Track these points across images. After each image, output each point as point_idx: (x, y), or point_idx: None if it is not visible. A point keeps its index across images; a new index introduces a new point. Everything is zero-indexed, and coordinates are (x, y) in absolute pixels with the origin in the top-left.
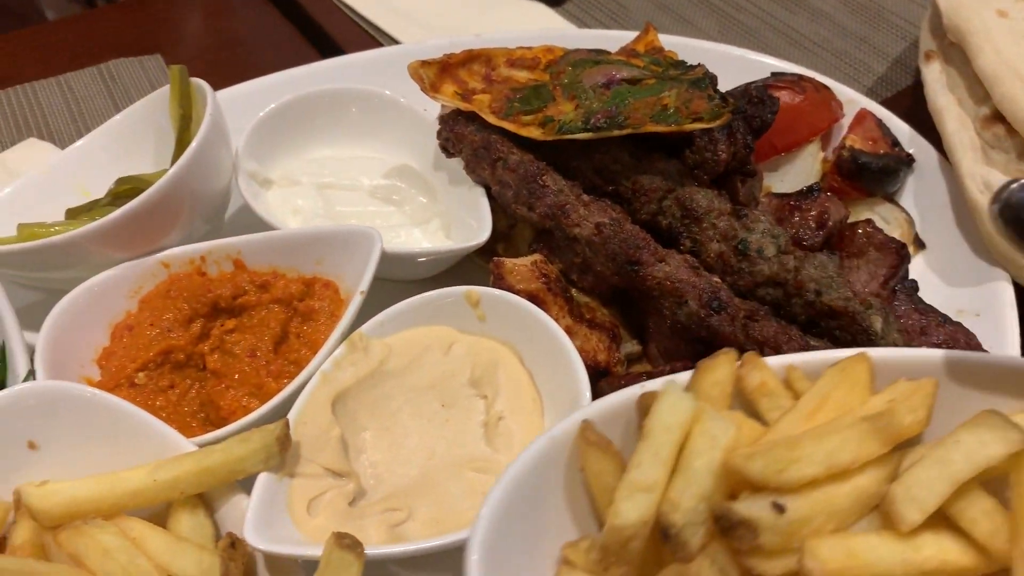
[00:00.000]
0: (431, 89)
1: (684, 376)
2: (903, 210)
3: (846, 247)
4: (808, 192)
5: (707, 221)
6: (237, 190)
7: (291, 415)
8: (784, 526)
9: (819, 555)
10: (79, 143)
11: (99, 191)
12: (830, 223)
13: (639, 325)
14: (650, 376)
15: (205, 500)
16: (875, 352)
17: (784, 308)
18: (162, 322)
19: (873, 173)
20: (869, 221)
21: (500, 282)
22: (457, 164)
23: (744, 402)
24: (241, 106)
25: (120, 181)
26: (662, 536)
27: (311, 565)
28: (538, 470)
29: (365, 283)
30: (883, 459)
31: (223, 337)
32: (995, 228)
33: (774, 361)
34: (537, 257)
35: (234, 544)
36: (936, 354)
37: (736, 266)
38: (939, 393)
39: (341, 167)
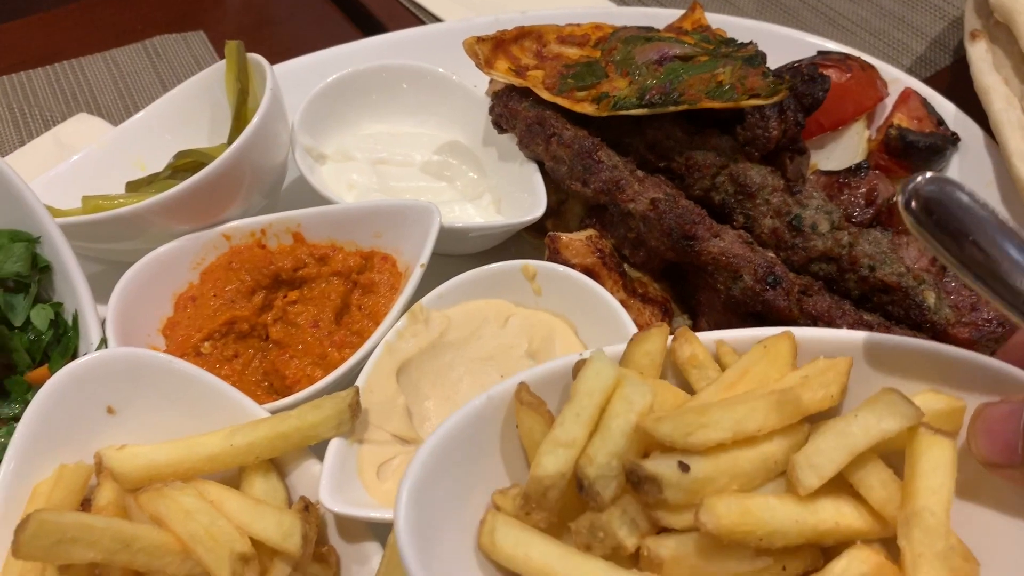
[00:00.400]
0: (486, 65)
1: (617, 347)
2: None
3: (895, 224)
4: (856, 170)
5: (761, 197)
6: (292, 166)
7: (358, 384)
8: (688, 484)
9: (715, 511)
10: (135, 117)
11: (156, 165)
12: (879, 200)
13: (689, 300)
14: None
15: (277, 465)
16: (798, 331)
17: (837, 283)
18: (225, 293)
19: (920, 152)
20: None
21: (556, 256)
22: (507, 141)
23: (676, 373)
24: (290, 83)
25: (180, 155)
26: (578, 487)
27: (379, 528)
28: (475, 424)
29: (425, 256)
30: (793, 429)
31: (285, 308)
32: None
33: (705, 336)
34: (592, 232)
35: (308, 508)
36: (855, 335)
37: (790, 241)
38: (854, 371)
39: (393, 143)
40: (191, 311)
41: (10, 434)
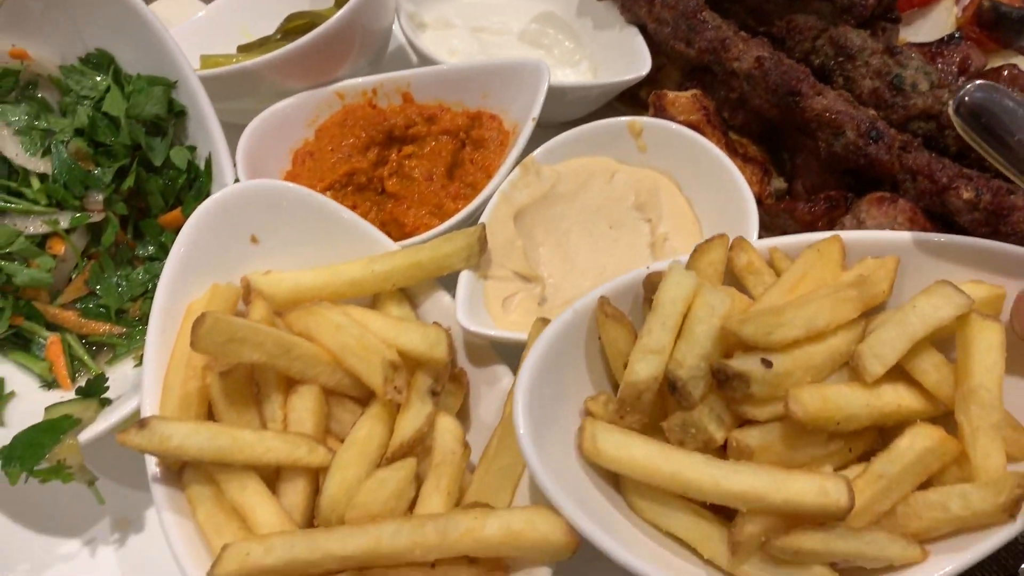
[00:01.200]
0: None
1: (683, 258)
2: None
3: None
4: (949, 40)
5: (861, 59)
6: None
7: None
8: (771, 378)
9: (801, 400)
10: None
11: (259, 33)
12: (971, 69)
13: (784, 165)
14: (828, 200)
15: (409, 296)
16: (846, 235)
17: (936, 141)
18: (342, 148)
19: (1013, 23)
20: (1014, 65)
21: (661, 113)
22: (601, 10)
23: (733, 280)
24: None
25: (291, 17)
26: (669, 389)
27: (507, 354)
28: (565, 336)
29: (536, 110)
30: (852, 324)
31: (401, 162)
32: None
33: (759, 244)
34: (696, 91)
35: None
36: (898, 235)
37: (889, 100)
38: (901, 268)
39: (490, 11)
40: (309, 165)
41: (148, 272)
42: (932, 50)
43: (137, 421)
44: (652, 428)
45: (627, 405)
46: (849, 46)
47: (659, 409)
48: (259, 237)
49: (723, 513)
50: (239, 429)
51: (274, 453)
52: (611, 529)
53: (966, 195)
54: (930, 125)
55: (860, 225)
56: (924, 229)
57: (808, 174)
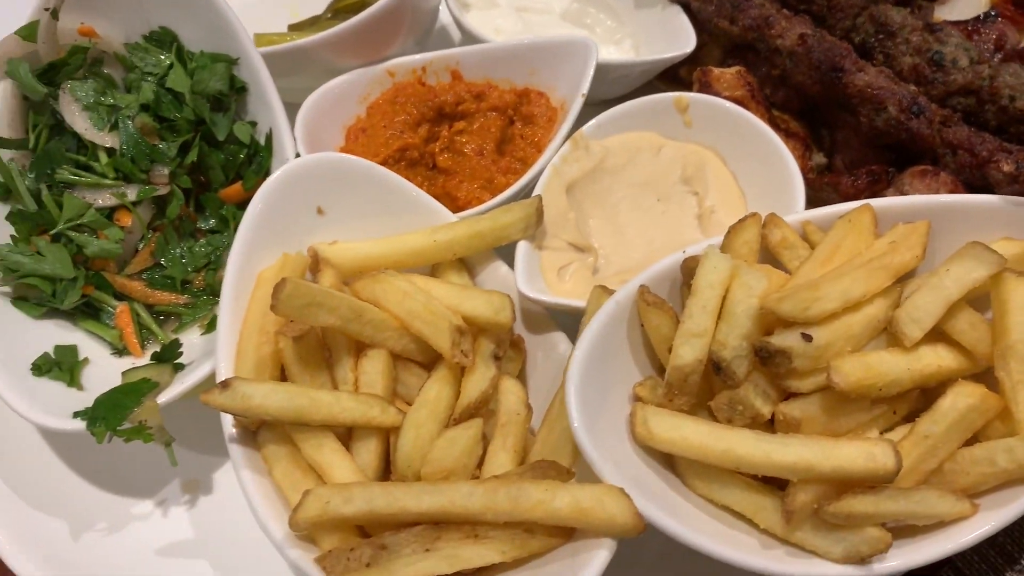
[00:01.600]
0: None
1: (717, 240)
2: None
3: None
4: (985, 18)
5: (901, 36)
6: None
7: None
8: (812, 351)
9: (843, 370)
10: None
11: (305, 12)
12: (1007, 47)
13: (823, 141)
14: (871, 174)
15: (467, 266)
16: (876, 202)
17: (975, 116)
18: (394, 125)
19: None
20: None
21: (707, 89)
22: None
23: (768, 256)
24: None
25: None
26: (714, 370)
27: (564, 322)
28: (610, 326)
29: (585, 86)
30: (888, 291)
31: (452, 138)
32: None
33: (791, 219)
34: (740, 68)
35: None
36: (927, 199)
37: (930, 76)
38: (932, 231)
39: None
40: (363, 141)
41: (210, 244)
42: (968, 28)
43: (220, 382)
44: (699, 408)
45: (675, 388)
46: (889, 23)
47: (705, 390)
48: (325, 208)
49: (775, 484)
50: (316, 390)
51: (349, 413)
52: (671, 510)
53: (1006, 168)
54: (969, 100)
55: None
56: None
57: (848, 149)
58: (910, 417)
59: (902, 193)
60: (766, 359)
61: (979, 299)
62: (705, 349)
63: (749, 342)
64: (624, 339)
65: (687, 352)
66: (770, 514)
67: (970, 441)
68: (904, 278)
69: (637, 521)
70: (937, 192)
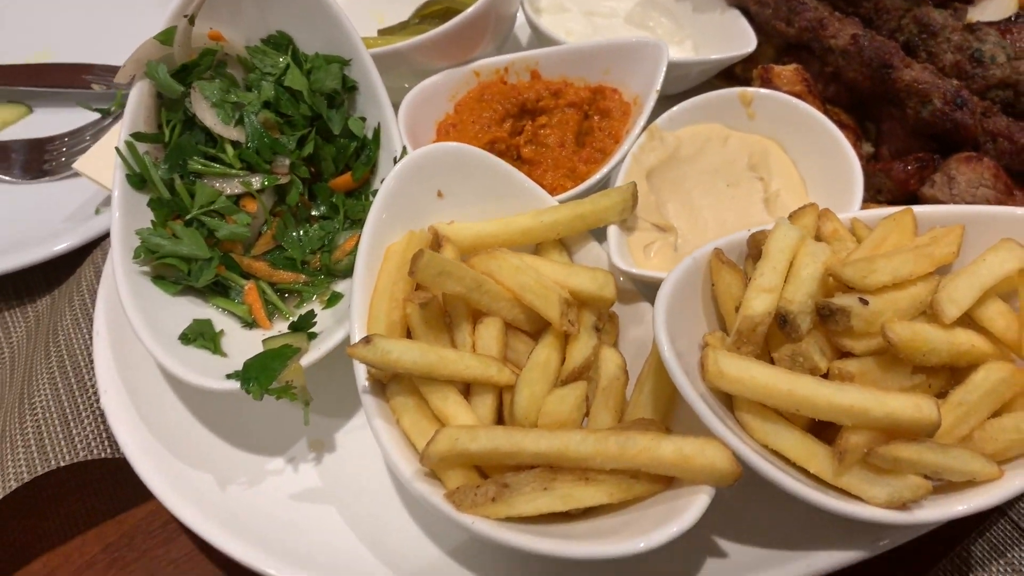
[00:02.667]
0: None
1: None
2: None
3: None
4: (1017, 18)
5: (943, 35)
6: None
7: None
8: (867, 314)
9: (895, 330)
10: None
11: (389, 18)
12: None
13: (870, 133)
14: (919, 160)
15: (565, 245)
16: (917, 208)
17: (1013, 107)
18: (481, 120)
19: None
20: None
21: (768, 85)
22: None
23: None
24: None
25: (427, 3)
26: (779, 324)
27: (648, 293)
28: (686, 279)
29: (659, 83)
30: (928, 277)
31: (536, 132)
32: None
33: (842, 216)
34: (798, 65)
35: None
36: (961, 208)
37: (970, 72)
38: (965, 236)
39: None
40: (453, 135)
41: (322, 229)
42: (1001, 27)
43: (363, 338)
44: (763, 358)
45: (743, 337)
46: (932, 24)
47: (772, 341)
48: (444, 192)
49: (823, 437)
50: (443, 348)
51: (471, 370)
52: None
53: None
54: (1007, 93)
55: (951, 181)
56: (1007, 184)
57: (893, 140)
58: (941, 395)
59: (950, 176)
60: (827, 316)
61: (1009, 296)
62: (774, 304)
63: (813, 300)
64: (697, 295)
65: (758, 304)
66: (821, 460)
67: (997, 414)
68: (941, 271)
69: (735, 467)
70: (982, 175)
